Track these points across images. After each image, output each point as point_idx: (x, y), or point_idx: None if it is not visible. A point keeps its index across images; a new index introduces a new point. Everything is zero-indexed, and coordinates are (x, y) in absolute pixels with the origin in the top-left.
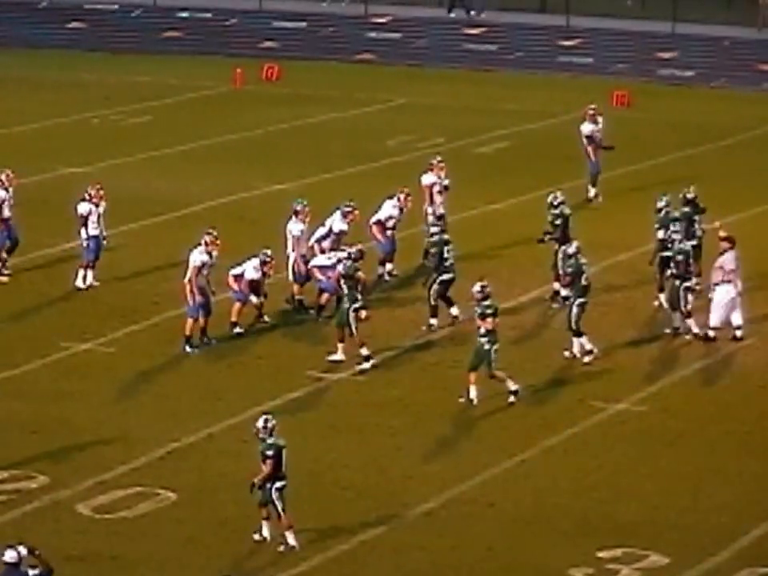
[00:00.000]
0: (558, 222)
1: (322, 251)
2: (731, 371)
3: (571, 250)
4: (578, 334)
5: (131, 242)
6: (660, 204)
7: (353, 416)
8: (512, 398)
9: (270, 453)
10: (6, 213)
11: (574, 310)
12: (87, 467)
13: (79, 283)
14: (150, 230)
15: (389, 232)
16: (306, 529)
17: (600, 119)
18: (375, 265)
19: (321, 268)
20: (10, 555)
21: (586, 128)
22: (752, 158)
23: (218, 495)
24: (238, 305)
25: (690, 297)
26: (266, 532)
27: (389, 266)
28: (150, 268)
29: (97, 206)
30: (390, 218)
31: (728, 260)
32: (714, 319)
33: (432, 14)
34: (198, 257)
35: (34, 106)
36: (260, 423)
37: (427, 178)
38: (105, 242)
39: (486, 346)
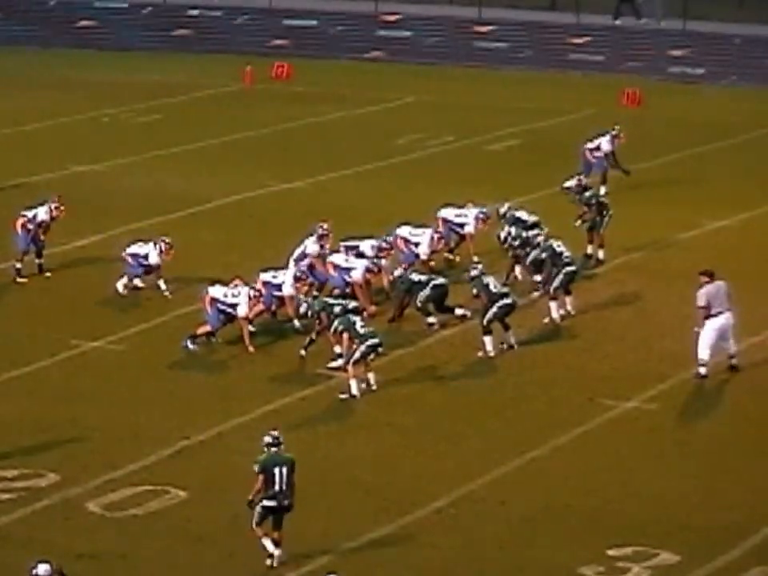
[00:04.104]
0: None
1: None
2: (742, 370)
3: (474, 272)
4: (488, 333)
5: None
6: (503, 210)
7: (363, 414)
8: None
9: (255, 468)
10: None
11: (494, 309)
12: (97, 465)
13: (119, 287)
14: (160, 228)
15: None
16: (316, 527)
17: (618, 142)
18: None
19: (336, 267)
20: (43, 569)
21: (607, 146)
22: (762, 156)
23: (228, 494)
24: (261, 307)
25: (563, 279)
26: (270, 548)
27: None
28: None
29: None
30: (423, 253)
31: (710, 293)
32: (704, 354)
33: (442, 12)
34: (243, 309)
35: (45, 105)
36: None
37: (470, 228)
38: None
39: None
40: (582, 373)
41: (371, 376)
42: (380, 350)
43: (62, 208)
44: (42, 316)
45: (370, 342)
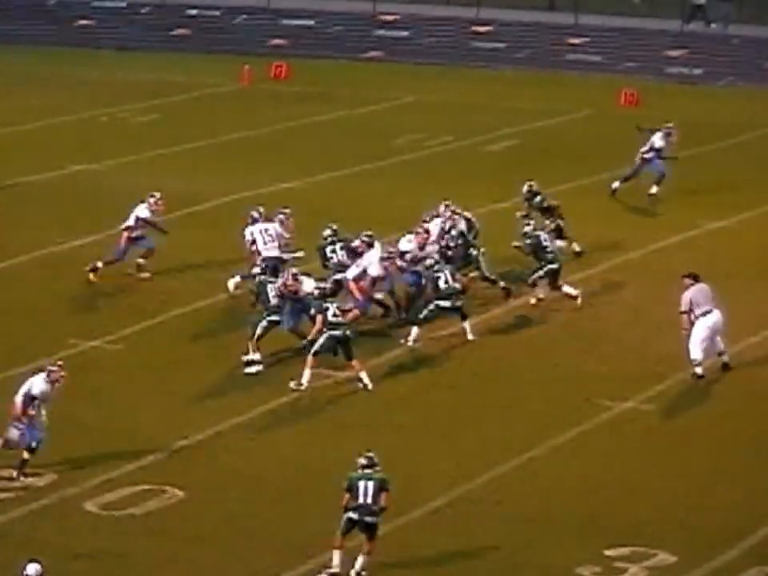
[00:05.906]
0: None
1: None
2: (739, 370)
3: (430, 261)
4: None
5: None
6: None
7: (360, 414)
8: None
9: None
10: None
11: (437, 305)
12: (95, 464)
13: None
14: None
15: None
16: (313, 527)
17: (673, 138)
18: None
19: (360, 287)
20: (33, 569)
21: (659, 142)
22: (759, 156)
23: (225, 493)
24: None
25: (543, 276)
26: (335, 560)
27: None
28: (159, 266)
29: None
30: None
31: (694, 295)
32: (696, 353)
33: (440, 12)
34: (376, 268)
35: (43, 104)
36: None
37: (435, 226)
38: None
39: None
40: (580, 373)
41: (364, 375)
42: (348, 341)
43: (160, 202)
44: (41, 315)
45: (332, 333)
